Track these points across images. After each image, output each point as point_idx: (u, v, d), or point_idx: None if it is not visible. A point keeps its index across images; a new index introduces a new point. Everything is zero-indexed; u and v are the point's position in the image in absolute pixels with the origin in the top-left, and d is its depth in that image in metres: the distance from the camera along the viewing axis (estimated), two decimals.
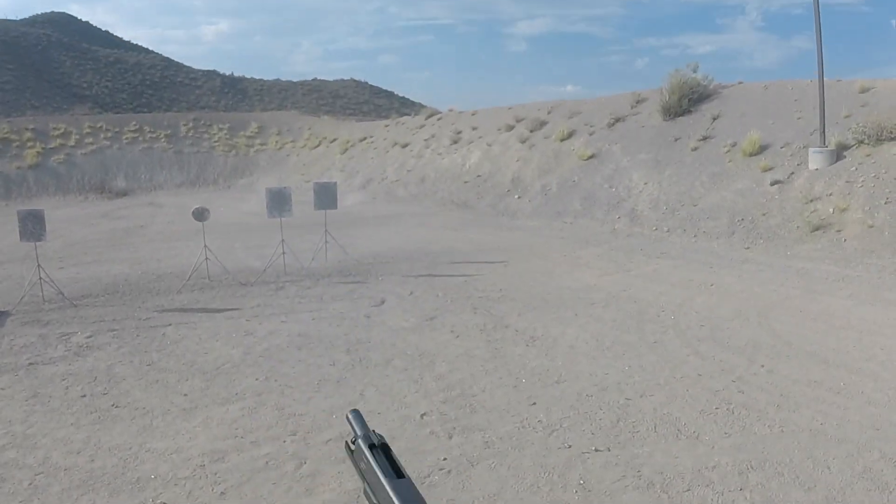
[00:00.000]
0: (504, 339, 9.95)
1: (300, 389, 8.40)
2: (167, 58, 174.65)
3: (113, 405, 8.17)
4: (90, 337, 10.84)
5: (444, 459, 6.56)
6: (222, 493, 6.16)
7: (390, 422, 7.42)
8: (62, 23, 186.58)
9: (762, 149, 18.84)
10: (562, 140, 24.42)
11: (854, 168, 16.60)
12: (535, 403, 7.71)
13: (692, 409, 7.42)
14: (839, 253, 14.54)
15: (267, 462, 6.68)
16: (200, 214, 14.17)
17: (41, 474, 6.61)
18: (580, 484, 6.07)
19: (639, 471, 6.23)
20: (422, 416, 7.54)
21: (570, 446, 6.70)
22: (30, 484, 6.43)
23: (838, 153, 17.24)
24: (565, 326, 10.37)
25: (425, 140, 32.61)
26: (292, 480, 6.34)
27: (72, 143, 43.03)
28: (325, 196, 15.25)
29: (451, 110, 35.99)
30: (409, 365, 9.06)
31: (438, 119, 34.88)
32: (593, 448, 6.69)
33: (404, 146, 33.71)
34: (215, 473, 6.50)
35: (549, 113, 27.30)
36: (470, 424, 7.27)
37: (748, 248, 15.74)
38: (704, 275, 13.13)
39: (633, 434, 6.95)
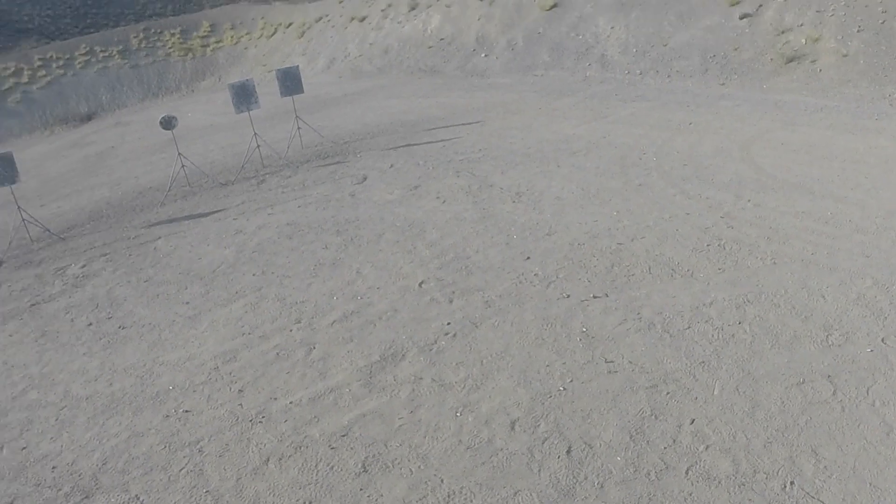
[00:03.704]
0: (490, 198, 9.84)
1: (298, 277, 8.37)
2: None
3: (119, 327, 8.18)
4: (84, 266, 10.74)
5: (448, 324, 6.59)
6: (240, 390, 6.23)
7: (390, 294, 7.42)
8: None
9: None
10: None
11: None
12: (529, 258, 7.69)
13: (684, 248, 7.39)
14: (816, 84, 14.16)
15: (277, 353, 6.72)
16: (168, 123, 13.75)
17: (65, 408, 6.69)
18: (583, 332, 6.10)
19: (638, 313, 6.25)
20: (420, 284, 7.54)
21: (568, 296, 6.71)
22: (56, 419, 6.52)
23: None
24: (549, 179, 10.23)
25: (382, 10, 31.38)
26: (305, 367, 6.39)
27: (25, 79, 41.80)
28: (290, 82, 14.77)
29: None
30: (401, 237, 9.00)
31: None
32: (591, 295, 6.70)
33: (362, 20, 32.50)
34: (230, 373, 6.56)
35: None
36: (468, 286, 7.26)
37: (723, 84, 15.33)
38: (682, 114, 12.86)
39: (628, 278, 6.94)
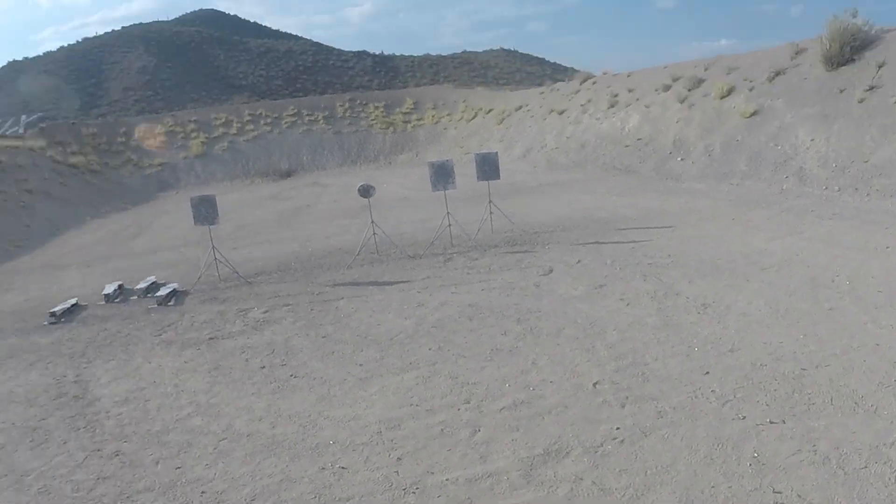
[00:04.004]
0: (675, 306, 9.77)
1: (473, 359, 8.61)
2: (317, 42, 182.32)
3: (291, 375, 8.72)
4: (266, 312, 11.56)
5: (617, 429, 6.57)
6: (399, 458, 6.44)
7: (563, 390, 7.48)
8: (211, 18, 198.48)
9: None
10: (721, 97, 23.43)
11: None
12: (708, 373, 7.56)
13: (870, 381, 7.04)
14: None
15: (442, 429, 6.91)
16: (366, 191, 14.73)
17: (225, 440, 7.19)
18: (754, 457, 5.92)
19: (814, 445, 6.00)
20: (594, 384, 7.56)
21: (744, 417, 6.54)
22: (214, 448, 7.02)
23: None
24: (737, 293, 10.04)
25: (582, 105, 32.17)
26: (467, 447, 6.53)
27: (233, 131, 45.65)
28: (488, 166, 15.42)
29: (605, 73, 35.22)
30: (580, 334, 9.07)
31: (593, 83, 34.25)
32: (768, 420, 6.49)
33: (561, 113, 33.39)
34: (392, 440, 6.80)
35: (705, 70, 26.26)
36: (642, 394, 7.22)
37: None
38: (880, 237, 12.27)
39: (808, 406, 6.68)
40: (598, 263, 12.38)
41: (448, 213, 14.98)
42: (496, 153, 16.13)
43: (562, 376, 7.86)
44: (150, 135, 44.12)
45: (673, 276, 11.18)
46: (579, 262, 12.61)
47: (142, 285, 13.86)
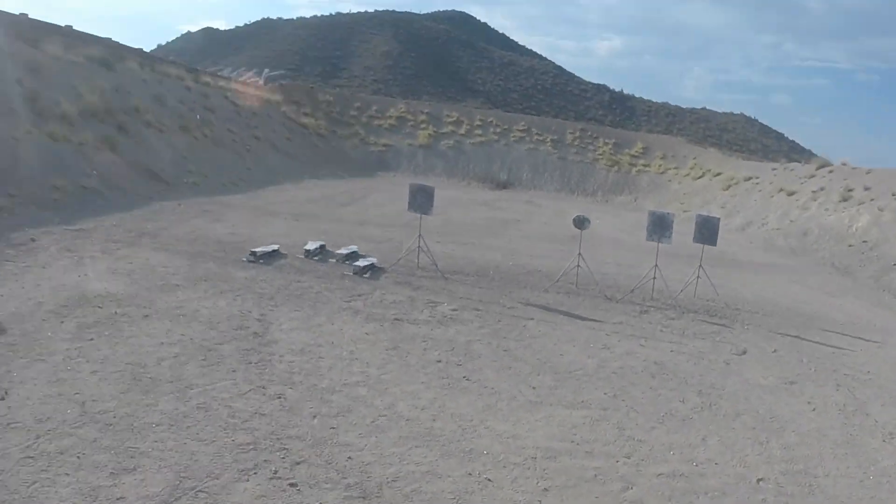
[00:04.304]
0: (862, 426, 9.07)
1: (645, 416, 8.38)
2: (559, 66, 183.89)
3: (464, 377, 8.82)
4: (455, 310, 11.77)
5: None
6: (545, 489, 6.37)
7: (725, 476, 7.15)
8: (461, 21, 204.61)
9: None
10: None
11: None
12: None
13: None
14: None
15: (595, 475, 6.77)
16: (581, 223, 14.72)
17: (384, 417, 7.39)
18: None
19: None
20: (758, 480, 7.18)
21: None
22: (372, 422, 7.23)
23: None
24: None
25: (813, 192, 30.56)
26: (614, 500, 6.37)
27: (462, 131, 46.91)
28: (707, 230, 14.98)
29: (843, 164, 33.21)
30: (758, 425, 8.62)
31: (830, 171, 32.40)
32: None
33: (790, 194, 31.87)
34: (544, 469, 6.73)
35: None
36: None
37: None
38: None
39: None
40: (793, 358, 11.73)
41: (656, 265, 14.68)
42: (718, 219, 15.65)
43: (728, 461, 7.52)
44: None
45: (867, 394, 10.42)
46: (775, 351, 12.00)
47: (343, 251, 14.47)
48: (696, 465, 7.30)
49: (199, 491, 5.53)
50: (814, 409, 9.46)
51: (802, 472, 7.51)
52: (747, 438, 8.19)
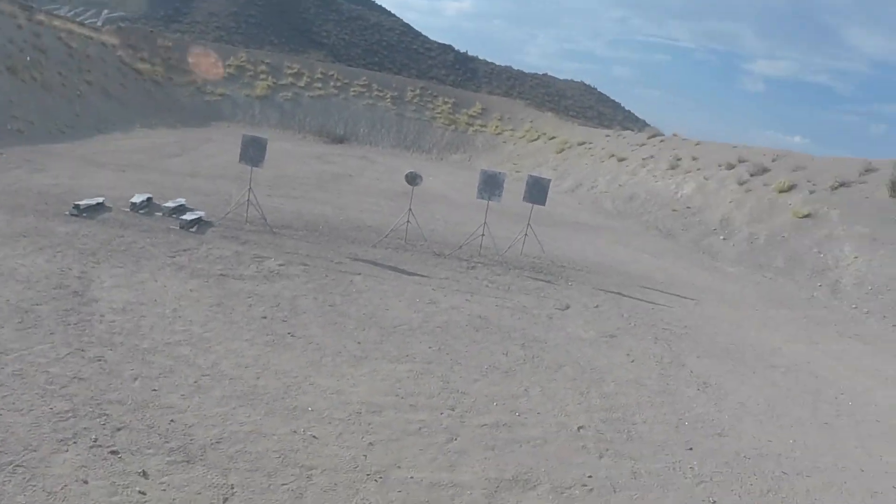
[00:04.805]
0: (677, 377, 9.71)
1: (468, 369, 8.59)
2: (407, 24, 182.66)
3: (289, 333, 8.73)
4: (282, 265, 11.61)
5: (589, 477, 6.53)
6: (370, 443, 6.43)
7: (546, 425, 7.45)
8: None
9: None
10: (780, 192, 23.28)
11: None
12: (691, 449, 7.52)
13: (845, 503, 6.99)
14: None
15: (420, 428, 6.90)
16: (413, 179, 14.79)
17: (207, 376, 7.21)
18: None
19: None
20: (578, 428, 7.53)
21: (714, 502, 6.51)
22: (195, 382, 7.03)
23: None
24: (740, 382, 9.95)
25: (643, 159, 32.15)
26: (439, 452, 6.52)
27: (301, 84, 46.13)
28: (537, 191, 15.42)
29: (674, 135, 35.21)
30: (579, 376, 9.03)
31: (661, 141, 34.22)
32: None
33: (621, 160, 33.39)
34: (369, 424, 6.79)
35: (773, 161, 26.11)
36: (623, 451, 7.18)
37: None
38: (894, 369, 12.16)
39: None
40: (614, 313, 12.33)
41: (485, 223, 14.98)
42: (549, 180, 16.12)
43: (549, 411, 7.83)
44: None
45: (683, 347, 11.12)
46: (597, 307, 12.57)
47: (170, 204, 13.95)
48: (519, 416, 7.55)
49: (17, 465, 5.23)
50: (632, 361, 9.98)
51: (621, 420, 7.93)
52: (568, 389, 8.54)
